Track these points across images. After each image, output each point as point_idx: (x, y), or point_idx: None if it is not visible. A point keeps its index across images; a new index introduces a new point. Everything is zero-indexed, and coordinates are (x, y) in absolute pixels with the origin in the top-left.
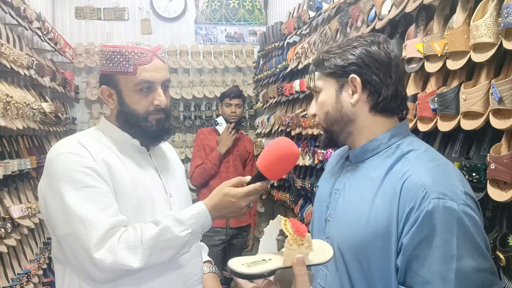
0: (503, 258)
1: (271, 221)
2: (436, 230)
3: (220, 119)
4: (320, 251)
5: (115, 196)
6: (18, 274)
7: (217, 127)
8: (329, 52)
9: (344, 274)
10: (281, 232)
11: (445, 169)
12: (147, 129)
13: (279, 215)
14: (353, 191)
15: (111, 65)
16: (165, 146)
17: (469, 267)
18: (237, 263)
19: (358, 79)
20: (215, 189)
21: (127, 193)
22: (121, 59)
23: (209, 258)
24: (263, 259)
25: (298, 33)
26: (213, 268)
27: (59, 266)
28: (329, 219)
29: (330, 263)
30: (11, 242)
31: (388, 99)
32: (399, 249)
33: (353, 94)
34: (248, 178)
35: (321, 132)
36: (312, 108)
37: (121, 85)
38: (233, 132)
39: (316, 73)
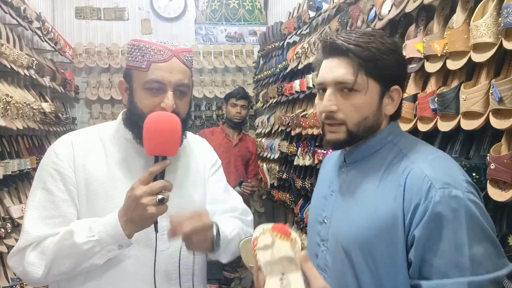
0: None
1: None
2: (445, 219)
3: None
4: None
5: (86, 204)
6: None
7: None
8: (379, 51)
9: (350, 274)
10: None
11: (444, 161)
12: None
13: (259, 226)
14: (352, 190)
15: (130, 59)
16: (189, 146)
17: (481, 253)
18: None
19: (401, 92)
20: None
21: (99, 202)
22: (138, 54)
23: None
24: (281, 277)
25: (298, 33)
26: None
27: None
28: (325, 221)
29: (331, 264)
30: (11, 242)
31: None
32: (410, 242)
33: (390, 103)
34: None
35: (335, 134)
36: (332, 104)
37: (134, 81)
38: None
39: (357, 66)
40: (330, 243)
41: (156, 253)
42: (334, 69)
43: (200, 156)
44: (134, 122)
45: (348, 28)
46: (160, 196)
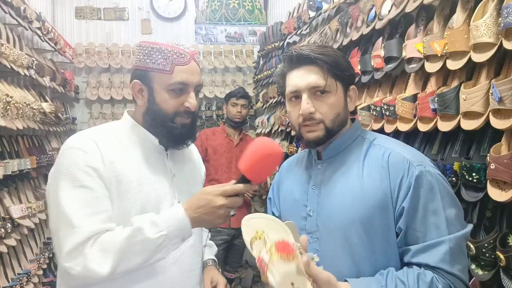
0: (503, 258)
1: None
2: (425, 189)
3: None
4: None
5: (118, 200)
6: (18, 274)
7: None
8: (339, 56)
9: (346, 256)
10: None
11: (409, 147)
12: (171, 131)
13: (262, 252)
14: (336, 180)
15: (148, 61)
16: (190, 148)
17: (452, 214)
18: None
19: (357, 91)
20: None
21: (131, 197)
22: (159, 57)
23: (214, 257)
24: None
25: (298, 33)
26: (215, 264)
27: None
28: (311, 214)
29: (323, 252)
30: (11, 242)
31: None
32: (399, 213)
33: (351, 100)
34: (232, 182)
35: (314, 132)
36: (310, 106)
37: (155, 83)
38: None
39: (325, 71)
40: (320, 232)
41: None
42: (306, 76)
43: (198, 160)
44: (159, 122)
45: (348, 29)
46: (233, 212)
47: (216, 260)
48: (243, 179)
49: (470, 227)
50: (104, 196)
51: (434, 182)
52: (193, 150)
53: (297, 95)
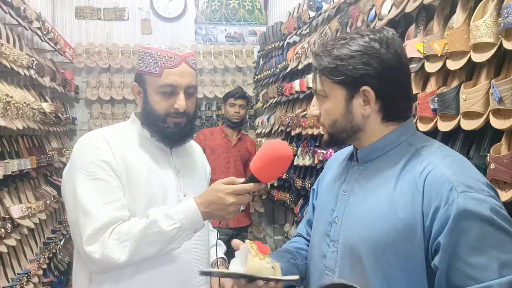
0: None
1: (241, 246)
2: (470, 223)
3: None
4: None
5: (128, 191)
6: (18, 274)
7: None
8: (337, 57)
9: (361, 276)
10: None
11: (463, 163)
12: (163, 130)
13: (247, 240)
14: (366, 190)
15: (142, 65)
16: (192, 146)
17: (507, 255)
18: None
19: (372, 92)
20: None
21: (140, 189)
22: (150, 61)
23: (223, 256)
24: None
25: (298, 33)
26: (225, 263)
27: (75, 251)
28: (336, 221)
29: (340, 266)
30: (11, 242)
31: (401, 108)
32: (435, 247)
33: (364, 104)
34: (241, 180)
35: (322, 132)
36: (315, 109)
37: (147, 85)
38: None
39: (320, 76)
40: (340, 244)
41: (217, 247)
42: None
43: (201, 158)
44: (152, 122)
45: (348, 29)
46: (243, 207)
47: (225, 258)
48: (252, 179)
49: None
50: (117, 186)
51: (484, 214)
52: (196, 149)
53: None
